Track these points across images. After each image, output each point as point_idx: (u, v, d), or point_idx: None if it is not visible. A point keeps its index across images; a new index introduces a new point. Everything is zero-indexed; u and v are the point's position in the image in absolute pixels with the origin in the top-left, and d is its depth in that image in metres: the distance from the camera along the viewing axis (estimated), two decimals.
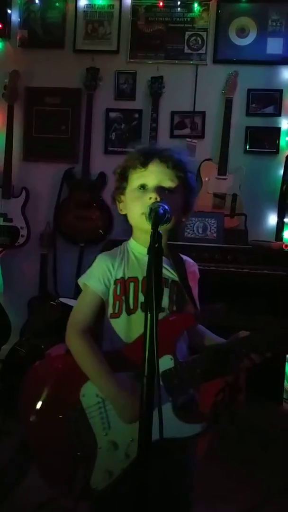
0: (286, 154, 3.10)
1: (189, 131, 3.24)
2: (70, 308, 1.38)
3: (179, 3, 3.18)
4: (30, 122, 3.34)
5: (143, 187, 1.19)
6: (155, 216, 0.99)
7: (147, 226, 1.17)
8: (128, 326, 1.19)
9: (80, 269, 3.05)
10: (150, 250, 0.94)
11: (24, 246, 3.24)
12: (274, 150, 3.19)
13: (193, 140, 3.21)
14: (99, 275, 1.21)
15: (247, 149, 3.21)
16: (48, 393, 1.22)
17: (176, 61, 3.23)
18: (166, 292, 1.19)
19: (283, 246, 2.80)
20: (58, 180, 3.27)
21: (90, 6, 3.26)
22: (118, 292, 1.20)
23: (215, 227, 2.83)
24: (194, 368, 1.12)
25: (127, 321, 1.19)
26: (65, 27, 3.28)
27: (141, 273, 1.20)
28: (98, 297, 1.21)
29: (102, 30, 3.25)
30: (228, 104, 3.13)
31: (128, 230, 1.29)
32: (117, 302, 1.20)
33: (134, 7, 3.23)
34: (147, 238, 1.20)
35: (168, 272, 1.22)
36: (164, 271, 1.19)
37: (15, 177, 3.25)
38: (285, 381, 2.90)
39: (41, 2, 3.26)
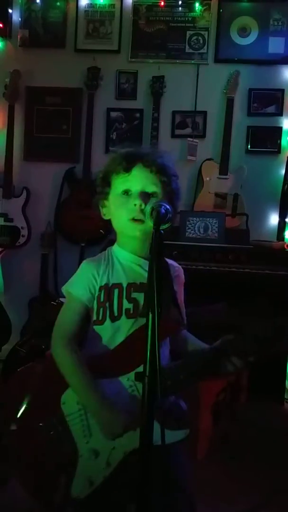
0: None
1: (190, 131, 3.23)
2: None
3: (180, 2, 3.17)
4: (31, 122, 3.33)
5: (126, 192, 1.18)
6: (156, 216, 0.97)
7: (133, 232, 1.17)
8: (112, 333, 1.18)
9: None
10: (152, 250, 0.94)
11: (25, 246, 3.24)
12: (276, 149, 3.18)
13: (194, 140, 3.20)
14: (84, 283, 1.20)
15: (249, 149, 3.20)
16: (29, 400, 1.21)
17: (177, 61, 3.22)
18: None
19: (285, 246, 2.79)
20: (59, 180, 3.27)
21: (91, 5, 3.25)
22: (102, 299, 1.18)
23: (216, 227, 2.82)
24: (177, 373, 1.11)
25: (111, 328, 1.18)
26: (66, 26, 3.27)
27: (125, 280, 1.19)
28: (84, 305, 1.20)
29: (103, 29, 3.25)
30: (229, 104, 3.12)
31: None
32: (101, 309, 1.18)
33: (135, 7, 3.22)
34: (132, 244, 1.21)
35: None
36: (147, 275, 1.18)
37: (16, 177, 3.24)
38: (287, 381, 2.89)
39: (42, 1, 3.25)
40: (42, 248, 3.23)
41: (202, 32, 3.20)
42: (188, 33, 3.20)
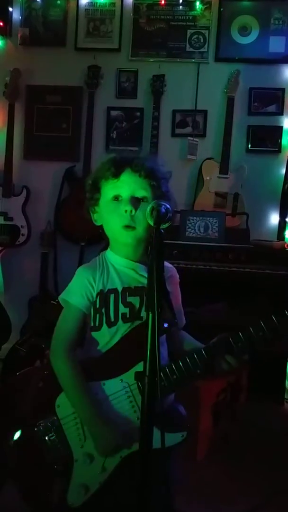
0: None
1: (190, 130, 3.23)
2: None
3: (181, 1, 3.16)
4: (31, 121, 3.32)
5: (116, 198, 1.18)
6: (157, 215, 0.97)
7: (125, 239, 1.17)
8: (109, 338, 1.18)
9: None
10: (152, 250, 0.93)
11: (25, 245, 3.23)
12: (276, 149, 3.18)
13: (195, 139, 3.20)
14: (80, 290, 1.19)
15: (249, 148, 3.20)
16: (24, 405, 1.20)
17: (178, 60, 3.21)
18: (145, 300, 1.17)
19: (285, 246, 2.79)
20: (59, 179, 3.26)
21: (91, 4, 3.24)
22: (98, 305, 1.18)
23: (216, 226, 2.81)
24: (172, 373, 1.11)
25: (108, 333, 1.18)
26: (66, 25, 3.26)
27: (120, 284, 1.19)
28: (82, 313, 1.20)
29: (104, 28, 3.24)
30: (230, 103, 3.11)
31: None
32: (97, 315, 1.18)
33: (136, 5, 3.21)
34: (125, 250, 1.21)
35: (145, 279, 1.20)
36: (142, 279, 1.19)
37: (16, 176, 3.23)
38: (287, 381, 2.88)
39: (42, 0, 3.24)
40: (42, 247, 3.23)
41: (203, 31, 3.19)
42: (189, 32, 3.19)
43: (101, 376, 1.16)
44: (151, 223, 0.97)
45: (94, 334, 1.20)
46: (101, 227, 1.25)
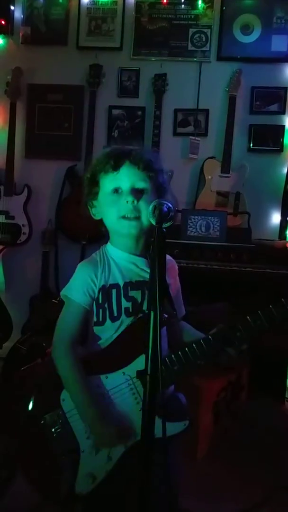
0: None
1: (192, 129, 3.22)
2: None
3: (183, 0, 3.16)
4: (33, 119, 3.32)
5: (116, 190, 1.19)
6: (159, 214, 0.97)
7: (127, 230, 1.18)
8: (113, 332, 1.19)
9: None
10: (154, 248, 0.94)
11: (26, 243, 3.23)
12: (278, 148, 3.17)
13: (196, 138, 3.19)
14: (82, 287, 1.20)
15: (251, 147, 3.19)
16: (31, 397, 1.22)
17: (180, 58, 3.21)
18: (146, 293, 1.18)
19: (286, 245, 2.79)
20: (60, 178, 3.26)
21: (93, 2, 3.24)
22: (100, 301, 1.19)
23: (218, 226, 2.81)
24: (171, 365, 1.12)
25: (112, 328, 1.19)
26: (68, 24, 3.26)
27: (122, 279, 1.20)
28: (83, 309, 1.20)
29: (106, 27, 3.24)
30: (231, 102, 3.11)
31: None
32: (100, 310, 1.19)
33: (138, 4, 3.21)
34: (126, 242, 1.22)
35: (146, 273, 1.20)
36: (143, 273, 1.20)
37: (17, 175, 3.24)
38: (287, 379, 2.88)
39: None
40: (43, 246, 3.23)
41: (205, 30, 3.18)
42: (191, 30, 3.19)
43: (104, 370, 1.17)
44: (153, 222, 0.97)
45: (97, 329, 1.21)
46: (100, 222, 1.25)
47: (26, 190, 3.23)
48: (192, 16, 3.19)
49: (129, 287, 1.19)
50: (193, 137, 3.19)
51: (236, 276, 2.63)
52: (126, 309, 1.18)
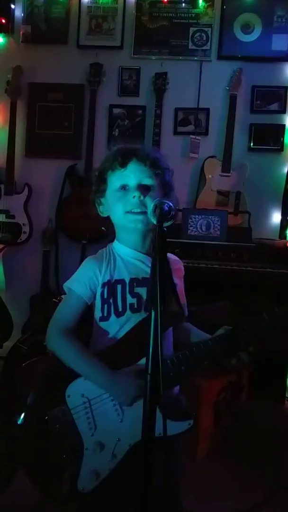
0: None
1: (193, 128, 3.22)
2: None
3: None
4: (33, 118, 3.32)
5: (124, 187, 1.20)
6: (160, 213, 0.97)
7: (134, 224, 1.18)
8: (118, 328, 1.19)
9: None
10: (155, 247, 0.93)
11: (26, 243, 3.23)
12: (279, 147, 3.17)
13: (197, 137, 3.19)
14: (85, 280, 1.21)
15: (251, 146, 3.19)
16: (34, 393, 1.22)
17: (180, 57, 3.20)
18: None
19: (287, 244, 2.78)
20: (60, 177, 3.25)
21: (94, 1, 3.23)
22: (105, 296, 1.20)
23: (218, 225, 2.81)
24: (178, 365, 1.12)
25: (117, 323, 1.19)
26: (68, 22, 3.26)
27: (127, 275, 1.21)
28: (83, 302, 1.21)
29: (106, 25, 3.23)
30: (232, 101, 3.10)
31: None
32: (105, 305, 1.20)
33: (138, 3, 3.20)
34: (133, 239, 1.22)
35: None
36: (149, 270, 1.19)
37: (18, 174, 3.23)
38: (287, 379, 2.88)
39: None
40: (43, 245, 3.23)
41: (205, 29, 3.18)
42: (191, 29, 3.18)
43: (112, 366, 1.16)
44: (154, 222, 0.97)
45: (102, 324, 1.21)
46: (105, 223, 1.26)
47: (26, 189, 3.22)
48: (193, 15, 3.19)
49: (135, 284, 1.20)
50: (193, 136, 3.18)
51: (237, 275, 2.63)
52: (131, 305, 1.18)
